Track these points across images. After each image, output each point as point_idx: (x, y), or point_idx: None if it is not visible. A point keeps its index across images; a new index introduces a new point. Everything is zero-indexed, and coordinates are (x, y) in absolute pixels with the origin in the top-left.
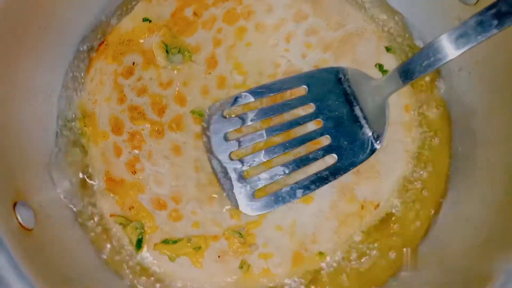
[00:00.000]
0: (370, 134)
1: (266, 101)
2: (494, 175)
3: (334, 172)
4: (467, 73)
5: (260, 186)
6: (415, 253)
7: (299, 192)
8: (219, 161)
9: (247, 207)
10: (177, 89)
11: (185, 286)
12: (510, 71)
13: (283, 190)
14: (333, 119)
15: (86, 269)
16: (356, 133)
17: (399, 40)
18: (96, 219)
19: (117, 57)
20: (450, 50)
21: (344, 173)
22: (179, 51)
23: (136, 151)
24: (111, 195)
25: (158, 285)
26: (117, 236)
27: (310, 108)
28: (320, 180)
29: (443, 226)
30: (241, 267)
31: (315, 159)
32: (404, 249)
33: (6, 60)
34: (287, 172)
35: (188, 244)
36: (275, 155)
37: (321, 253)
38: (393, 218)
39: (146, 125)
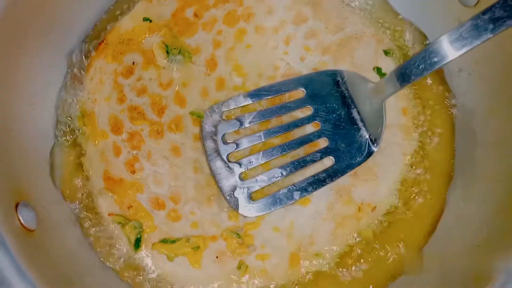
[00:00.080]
0: (367, 136)
1: (265, 104)
2: (494, 176)
3: (331, 175)
4: (467, 74)
5: (258, 188)
6: (419, 256)
7: (296, 194)
8: (217, 163)
9: (245, 209)
10: (176, 90)
11: (184, 286)
12: (509, 72)
13: (280, 192)
14: (330, 121)
15: (86, 269)
16: (354, 135)
17: (398, 43)
18: (94, 218)
19: (117, 57)
20: (446, 53)
21: (342, 175)
22: (179, 52)
23: (136, 151)
24: (110, 194)
25: (156, 284)
26: (115, 236)
27: (308, 110)
28: (317, 182)
29: (443, 227)
30: (239, 267)
31: (313, 161)
32: (408, 252)
33: (6, 61)
34: (284, 174)
35: (187, 244)
36: (273, 157)
37: (318, 255)
38: (392, 220)
39: (146, 125)
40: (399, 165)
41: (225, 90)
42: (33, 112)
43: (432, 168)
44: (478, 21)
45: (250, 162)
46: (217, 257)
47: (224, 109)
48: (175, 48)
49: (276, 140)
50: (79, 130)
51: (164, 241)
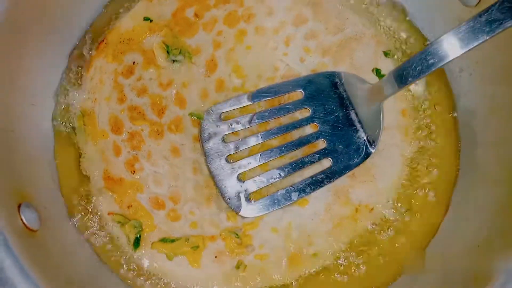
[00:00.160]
0: (365, 138)
1: (263, 105)
2: (494, 176)
3: (329, 176)
4: (468, 74)
5: (256, 189)
6: (421, 256)
7: (294, 195)
8: (216, 164)
9: (243, 210)
10: (176, 90)
11: (183, 285)
12: (510, 72)
13: (279, 193)
14: (328, 123)
15: (86, 269)
16: (351, 137)
17: (398, 44)
18: (94, 217)
19: (117, 56)
20: (443, 55)
21: (339, 176)
22: (180, 52)
23: (136, 151)
24: (110, 193)
25: (155, 284)
26: (115, 235)
27: (306, 112)
28: (315, 183)
29: (444, 227)
30: (237, 267)
31: (311, 162)
32: (409, 253)
33: (8, 62)
34: (283, 175)
35: (186, 243)
36: (271, 158)
37: (316, 255)
38: (391, 222)
39: (146, 125)
40: (398, 166)
41: (224, 92)
42: (34, 113)
43: (432, 170)
44: (475, 23)
45: (249, 163)
46: (216, 256)
47: (223, 110)
48: (175, 49)
49: (275, 141)
50: (79, 130)
51: (163, 240)
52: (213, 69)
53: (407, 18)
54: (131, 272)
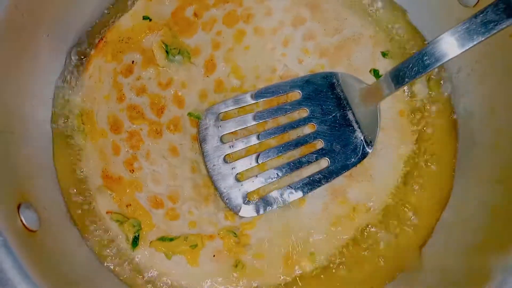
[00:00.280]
0: (362, 138)
1: (261, 105)
2: (492, 176)
3: (326, 176)
4: (466, 74)
5: (254, 188)
6: (418, 255)
7: (292, 194)
8: (214, 164)
9: (241, 209)
10: (175, 90)
11: (181, 284)
12: (509, 72)
13: (276, 193)
14: (326, 123)
15: (85, 268)
16: (349, 137)
17: (397, 44)
18: (92, 216)
19: (117, 55)
20: (439, 55)
21: (337, 176)
22: (179, 52)
23: (135, 150)
24: (108, 192)
25: (154, 282)
26: (113, 234)
27: (304, 112)
28: (312, 183)
29: (442, 226)
30: (235, 266)
31: (308, 162)
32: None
33: (8, 64)
34: (280, 175)
35: (185, 242)
36: (269, 158)
37: (313, 254)
38: (388, 221)
39: (145, 125)
40: (395, 166)
41: (223, 92)
42: (34, 114)
43: (429, 169)
44: (471, 24)
45: (247, 163)
46: (214, 255)
47: (221, 110)
48: (174, 48)
49: (272, 142)
50: (78, 129)
51: (162, 239)
52: (212, 69)
53: (406, 19)
54: (130, 271)
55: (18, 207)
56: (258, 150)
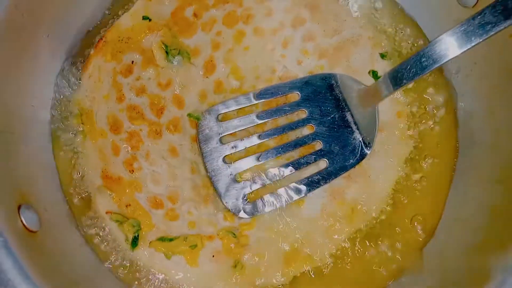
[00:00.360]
0: (360, 139)
1: (260, 106)
2: (491, 176)
3: (325, 176)
4: (465, 75)
5: (252, 189)
6: (419, 256)
7: (291, 195)
8: (213, 164)
9: (240, 210)
10: (175, 91)
11: (180, 284)
12: (508, 73)
13: (275, 194)
14: (324, 124)
15: (85, 269)
16: (347, 138)
17: (396, 46)
18: (92, 216)
19: (116, 55)
20: (437, 57)
21: (335, 177)
22: (179, 53)
23: (134, 151)
24: (108, 192)
25: (153, 282)
26: (113, 234)
27: (303, 113)
28: (311, 184)
29: (442, 227)
30: (234, 266)
31: (307, 163)
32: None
33: (8, 64)
34: (279, 176)
35: (184, 242)
36: (268, 159)
37: (312, 254)
38: (387, 222)
39: (145, 125)
40: (393, 167)
41: (222, 93)
42: (34, 114)
43: (428, 170)
44: (468, 25)
45: (246, 164)
46: (213, 256)
47: (220, 111)
48: (174, 49)
49: (271, 142)
50: (77, 129)
51: (161, 239)
52: (212, 70)
53: (406, 20)
54: (129, 270)
55: (19, 208)
56: (257, 151)
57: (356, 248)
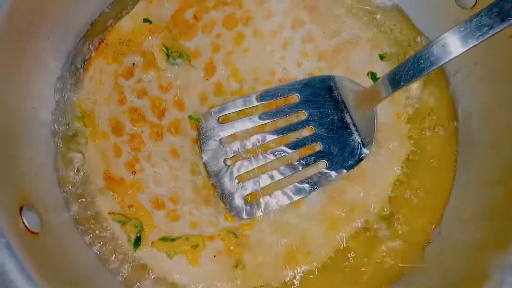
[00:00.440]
0: (359, 140)
1: (260, 108)
2: (491, 177)
3: (324, 178)
4: (464, 75)
5: (252, 190)
6: (421, 256)
7: (290, 196)
8: (214, 166)
9: (240, 211)
10: (176, 93)
11: (182, 284)
12: (507, 73)
13: (275, 195)
14: (324, 126)
15: (88, 270)
16: (346, 139)
17: (394, 47)
18: (94, 217)
19: (117, 58)
20: (435, 59)
21: (334, 178)
22: (179, 55)
23: (136, 152)
24: (110, 193)
25: (155, 282)
26: (115, 235)
27: (302, 115)
28: (311, 185)
29: (441, 228)
30: (235, 266)
31: (306, 165)
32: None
33: (9, 66)
34: (279, 177)
35: (186, 242)
36: (267, 161)
37: (311, 254)
38: (386, 222)
39: (146, 127)
40: (392, 168)
41: (222, 95)
42: (36, 116)
43: (428, 171)
44: (466, 28)
45: (246, 166)
46: (214, 256)
47: (220, 113)
48: (175, 52)
49: (271, 144)
50: (79, 131)
51: (164, 239)
52: (212, 72)
53: (405, 21)
54: (132, 271)
55: (20, 209)
56: (257, 152)
57: (357, 248)
